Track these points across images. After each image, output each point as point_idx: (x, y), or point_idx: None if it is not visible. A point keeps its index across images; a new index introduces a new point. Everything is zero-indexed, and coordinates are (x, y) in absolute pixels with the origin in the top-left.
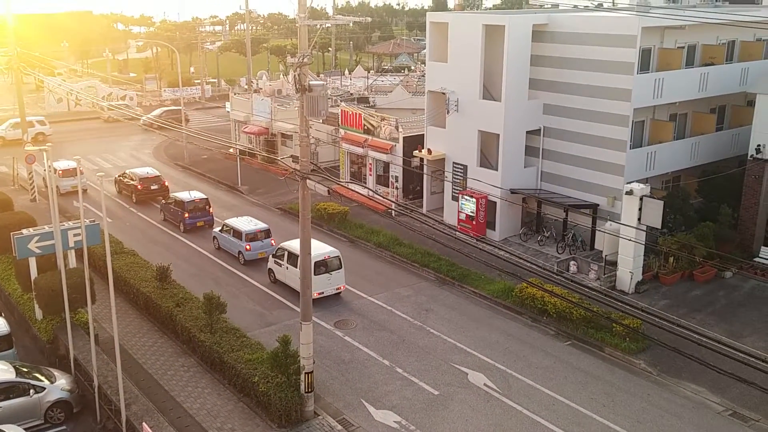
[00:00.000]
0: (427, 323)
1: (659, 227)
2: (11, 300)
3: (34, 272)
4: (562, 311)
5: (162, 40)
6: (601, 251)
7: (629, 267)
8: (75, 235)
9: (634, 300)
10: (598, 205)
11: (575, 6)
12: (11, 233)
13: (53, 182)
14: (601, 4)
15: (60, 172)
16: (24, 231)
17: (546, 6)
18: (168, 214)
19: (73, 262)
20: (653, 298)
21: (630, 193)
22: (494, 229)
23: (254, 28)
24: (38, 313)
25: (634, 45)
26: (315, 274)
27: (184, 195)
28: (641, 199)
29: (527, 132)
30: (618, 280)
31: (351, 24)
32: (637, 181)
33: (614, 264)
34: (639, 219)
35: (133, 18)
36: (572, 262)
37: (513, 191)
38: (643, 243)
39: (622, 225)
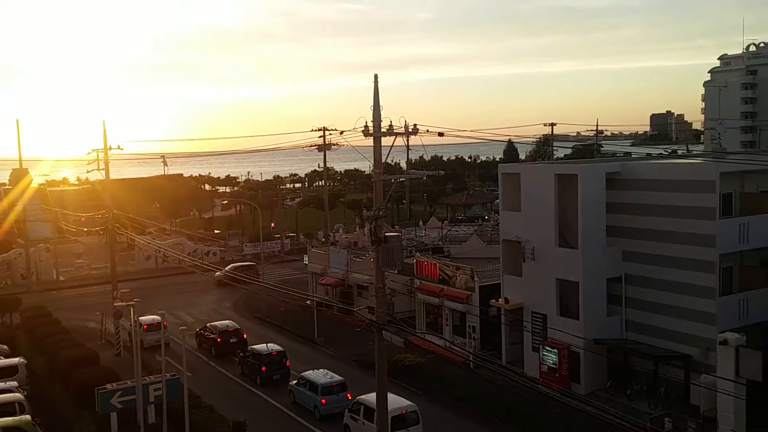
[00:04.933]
0: None
1: (760, 380)
2: None
3: (114, 428)
4: None
5: (245, 198)
6: (698, 406)
7: (731, 424)
8: (156, 389)
9: None
10: (690, 356)
11: (648, 154)
12: (95, 388)
13: (138, 337)
14: (675, 151)
15: (144, 326)
16: (108, 386)
17: (618, 155)
18: (245, 367)
19: (152, 417)
20: None
21: (724, 343)
22: (579, 382)
23: (332, 184)
24: None
25: (714, 190)
26: (392, 430)
27: (262, 348)
28: (737, 349)
29: (608, 279)
30: None
31: (424, 177)
32: (731, 331)
33: (714, 420)
34: (737, 372)
35: (219, 179)
36: (667, 419)
37: (597, 341)
38: (744, 398)
39: (718, 378)
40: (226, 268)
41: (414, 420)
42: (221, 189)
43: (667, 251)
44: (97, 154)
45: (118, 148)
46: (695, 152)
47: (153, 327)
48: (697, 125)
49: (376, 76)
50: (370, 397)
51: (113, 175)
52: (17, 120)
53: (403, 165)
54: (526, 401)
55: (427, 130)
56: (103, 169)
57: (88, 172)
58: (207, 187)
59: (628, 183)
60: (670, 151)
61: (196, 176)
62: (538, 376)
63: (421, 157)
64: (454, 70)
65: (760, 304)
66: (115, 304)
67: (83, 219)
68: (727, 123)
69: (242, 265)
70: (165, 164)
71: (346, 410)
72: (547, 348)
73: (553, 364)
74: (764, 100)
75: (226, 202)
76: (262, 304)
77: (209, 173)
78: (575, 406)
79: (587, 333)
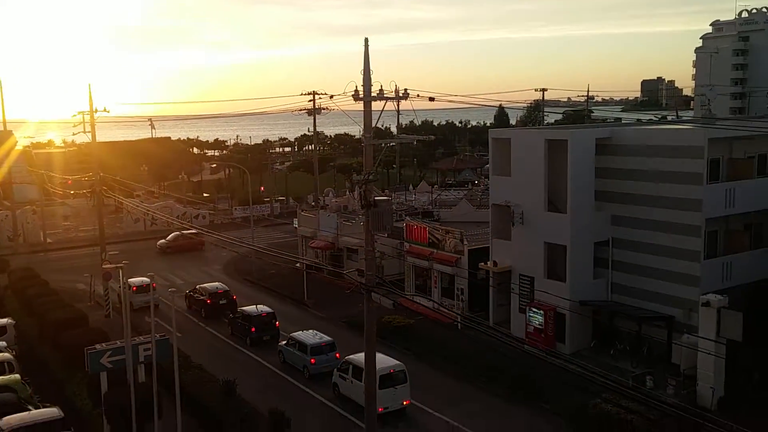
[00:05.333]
0: None
1: (740, 340)
2: (82, 415)
3: (104, 387)
4: (641, 430)
5: (234, 162)
6: (679, 365)
7: (710, 382)
8: (145, 350)
9: (717, 417)
10: (673, 317)
11: (638, 120)
12: (85, 348)
13: (127, 299)
14: (665, 117)
15: (134, 288)
16: (97, 346)
17: (608, 120)
18: (235, 328)
19: (142, 376)
20: (738, 415)
21: (707, 304)
22: (564, 342)
23: (321, 148)
24: (107, 429)
25: (702, 156)
26: (380, 389)
27: (251, 309)
28: (719, 311)
29: (595, 243)
30: (699, 396)
31: (415, 142)
32: (714, 293)
33: (694, 378)
34: (718, 332)
35: (207, 142)
36: (648, 377)
37: (582, 303)
38: (724, 357)
39: (700, 338)
40: (168, 237)
41: (402, 379)
42: (210, 152)
43: (654, 215)
44: (83, 117)
45: (105, 110)
46: (685, 118)
47: (142, 289)
48: (688, 91)
49: (366, 40)
50: (359, 357)
51: (100, 138)
52: (0, 80)
53: (394, 130)
54: (513, 361)
55: (418, 95)
56: (89, 132)
57: (74, 134)
58: (195, 150)
59: (618, 148)
60: (659, 117)
61: (184, 140)
62: (524, 337)
63: (411, 121)
64: (446, 35)
65: (743, 267)
66: (103, 266)
67: (70, 182)
68: (717, 89)
69: (185, 234)
70: (152, 127)
71: (335, 369)
72: (534, 309)
73: (539, 324)
74: (755, 67)
75: (214, 165)
76: (252, 266)
77: (197, 137)
78: (560, 365)
79: (573, 295)
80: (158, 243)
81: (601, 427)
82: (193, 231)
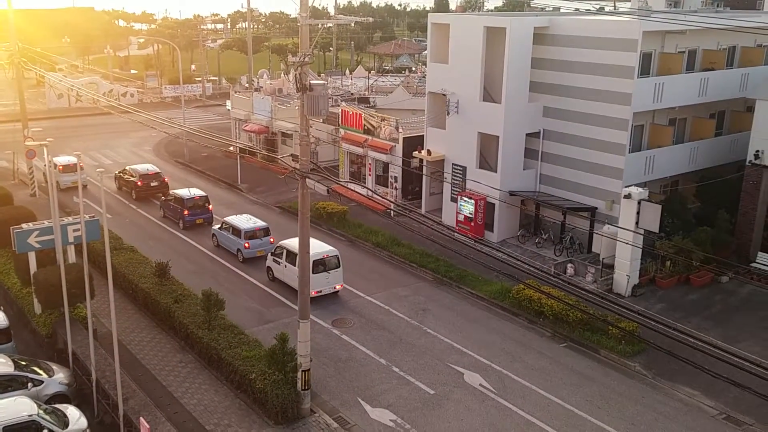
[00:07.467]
0: (424, 323)
1: (657, 231)
2: (10, 294)
3: (33, 267)
4: (558, 313)
5: (163, 37)
6: (599, 254)
7: (626, 270)
8: (75, 230)
9: (630, 303)
10: (596, 208)
11: (577, 9)
12: (11, 228)
13: (53, 177)
14: (603, 8)
15: (60, 167)
16: (24, 225)
17: (548, 9)
18: (167, 210)
19: (72, 257)
20: (650, 301)
21: (628, 196)
22: (492, 231)
23: (256, 26)
24: (37, 308)
25: (635, 49)
26: (313, 273)
27: (184, 192)
28: (639, 202)
29: (527, 134)
30: (615, 283)
31: (353, 24)
32: (636, 185)
33: (611, 267)
34: (637, 223)
35: (134, 15)
36: (569, 265)
37: (512, 193)
38: (641, 247)
39: (619, 228)
40: None
41: (335, 264)
42: (137, 26)
43: (584, 108)
44: None
45: None
46: (622, 9)
47: (69, 168)
48: None
49: None
50: (293, 242)
51: (16, 5)
52: None
53: (331, 10)
54: (443, 248)
55: None
56: None
57: None
58: (121, 23)
59: (554, 38)
60: (598, 7)
61: (108, 11)
62: (454, 225)
63: (349, 2)
64: None
65: (664, 161)
66: (26, 143)
67: None
68: None
69: None
70: None
71: (269, 254)
72: (465, 198)
73: (470, 213)
74: None
75: (143, 40)
76: (184, 148)
77: (123, 8)
78: (487, 253)
79: (503, 185)
80: None
81: (522, 310)
82: None
